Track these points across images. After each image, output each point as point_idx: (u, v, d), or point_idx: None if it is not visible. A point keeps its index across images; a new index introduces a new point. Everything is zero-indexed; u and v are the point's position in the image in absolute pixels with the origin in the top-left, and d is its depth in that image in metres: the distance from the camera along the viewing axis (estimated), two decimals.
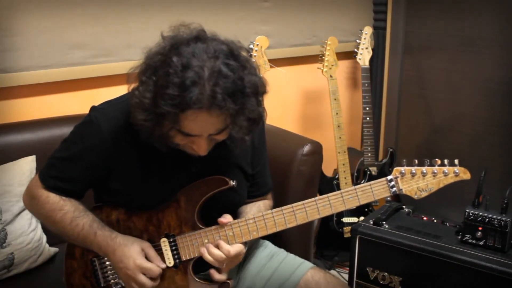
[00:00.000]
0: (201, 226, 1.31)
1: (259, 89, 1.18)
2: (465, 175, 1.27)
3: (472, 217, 1.70)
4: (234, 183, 1.30)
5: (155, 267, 1.27)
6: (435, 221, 1.92)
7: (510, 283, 1.56)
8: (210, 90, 1.07)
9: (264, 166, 1.51)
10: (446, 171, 1.26)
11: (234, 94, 1.10)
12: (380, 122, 2.98)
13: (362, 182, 2.59)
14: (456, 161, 1.27)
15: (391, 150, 2.66)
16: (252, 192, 1.49)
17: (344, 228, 2.55)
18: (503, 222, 1.65)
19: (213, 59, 1.10)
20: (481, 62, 2.49)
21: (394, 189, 1.27)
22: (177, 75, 1.08)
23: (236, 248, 1.28)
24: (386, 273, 1.81)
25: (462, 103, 2.61)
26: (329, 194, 1.27)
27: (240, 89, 1.12)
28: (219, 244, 1.28)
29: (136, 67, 1.18)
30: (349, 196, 1.27)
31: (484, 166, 1.77)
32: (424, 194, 1.27)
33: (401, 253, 1.76)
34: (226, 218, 1.30)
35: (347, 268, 2.05)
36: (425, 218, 1.94)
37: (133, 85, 1.19)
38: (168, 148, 1.23)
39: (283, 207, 1.29)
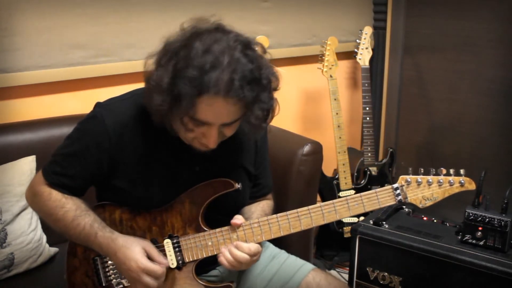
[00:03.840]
0: (205, 228, 1.31)
1: (272, 83, 1.20)
2: (470, 185, 1.28)
3: (472, 217, 1.70)
4: (239, 186, 1.30)
5: (158, 267, 1.27)
6: (435, 221, 1.92)
7: (510, 283, 1.57)
8: (229, 76, 1.09)
9: (266, 167, 1.51)
10: (452, 181, 1.27)
11: (250, 83, 1.12)
12: (380, 122, 2.98)
13: (362, 182, 2.59)
14: (462, 171, 1.28)
15: (391, 150, 2.66)
16: (254, 193, 1.49)
17: (344, 228, 2.55)
18: (503, 222, 1.65)
19: (233, 48, 1.12)
20: (481, 62, 2.50)
21: (400, 197, 1.27)
22: (198, 57, 1.09)
23: (255, 246, 1.27)
24: (386, 273, 1.81)
25: (462, 103, 2.61)
26: (334, 201, 1.28)
27: (257, 79, 1.13)
28: (237, 245, 1.27)
29: (153, 54, 1.19)
30: (354, 203, 1.27)
31: (484, 166, 1.77)
32: (429, 203, 1.28)
33: (401, 253, 1.76)
34: (240, 219, 1.29)
35: (347, 268, 2.05)
36: (425, 218, 1.94)
37: (150, 70, 1.19)
38: (177, 138, 1.23)
39: (288, 212, 1.29)
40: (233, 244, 1.27)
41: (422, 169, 1.29)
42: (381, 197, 1.27)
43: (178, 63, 1.12)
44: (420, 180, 1.28)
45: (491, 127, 2.51)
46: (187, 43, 1.13)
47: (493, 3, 2.40)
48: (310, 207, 1.28)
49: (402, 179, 1.28)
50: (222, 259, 1.27)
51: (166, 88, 1.12)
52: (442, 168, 1.28)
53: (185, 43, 1.13)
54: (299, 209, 1.28)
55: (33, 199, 1.37)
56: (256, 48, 1.19)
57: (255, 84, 1.13)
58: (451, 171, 1.28)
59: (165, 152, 1.26)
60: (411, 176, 1.28)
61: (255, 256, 1.28)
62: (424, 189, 1.28)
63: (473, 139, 2.59)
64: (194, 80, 1.09)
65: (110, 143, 1.27)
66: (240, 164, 1.40)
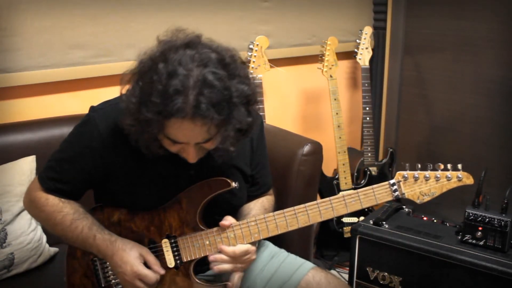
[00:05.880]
0: (202, 228, 1.31)
1: (249, 98, 1.16)
2: (468, 180, 1.27)
3: (472, 217, 1.70)
4: (236, 185, 1.30)
5: (152, 274, 1.27)
6: (435, 221, 1.92)
7: (510, 283, 1.57)
8: (194, 99, 1.06)
9: (264, 166, 1.50)
10: (449, 175, 1.26)
11: (219, 104, 1.08)
12: (380, 122, 2.98)
13: (362, 182, 2.59)
14: (459, 166, 1.27)
15: (391, 150, 2.66)
16: (253, 192, 1.49)
17: (344, 228, 2.55)
18: (503, 222, 1.65)
19: (200, 67, 1.08)
20: (481, 62, 2.50)
21: (397, 193, 1.27)
22: (161, 82, 1.07)
23: (241, 247, 1.27)
24: (386, 273, 1.81)
25: (462, 103, 2.61)
26: (331, 198, 1.27)
27: (226, 99, 1.10)
28: (221, 249, 1.28)
29: (129, 70, 1.18)
30: (351, 200, 1.27)
31: (484, 166, 1.77)
32: (426, 198, 1.27)
33: (401, 253, 1.76)
34: (228, 220, 1.30)
35: (347, 268, 2.05)
36: (425, 218, 1.94)
37: (125, 87, 1.18)
38: (153, 154, 1.21)
39: (285, 210, 1.28)
40: (219, 248, 1.28)
41: (419, 165, 1.28)
42: (377, 193, 1.27)
43: (143, 87, 1.11)
44: (417, 175, 1.27)
45: (491, 127, 2.51)
46: (153, 64, 1.10)
47: (493, 3, 2.40)
48: (306, 204, 1.27)
49: (399, 175, 1.28)
50: (211, 265, 1.29)
51: (134, 112, 1.12)
52: (439, 163, 1.27)
53: (151, 63, 1.11)
54: (295, 207, 1.28)
55: (31, 205, 1.37)
56: (232, 61, 1.15)
57: (225, 104, 1.10)
58: (449, 166, 1.27)
59: (160, 156, 1.26)
60: (408, 171, 1.27)
61: (242, 257, 1.28)
62: (422, 184, 1.27)
63: (473, 139, 2.59)
64: (158, 106, 1.07)
65: (104, 147, 1.27)
66: (234, 166, 1.40)
